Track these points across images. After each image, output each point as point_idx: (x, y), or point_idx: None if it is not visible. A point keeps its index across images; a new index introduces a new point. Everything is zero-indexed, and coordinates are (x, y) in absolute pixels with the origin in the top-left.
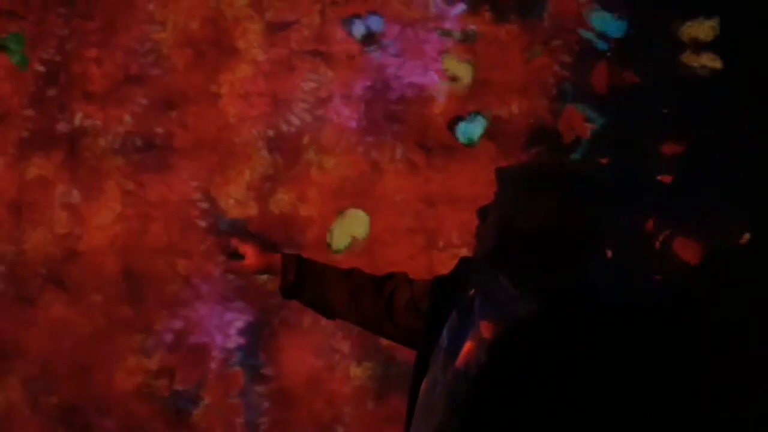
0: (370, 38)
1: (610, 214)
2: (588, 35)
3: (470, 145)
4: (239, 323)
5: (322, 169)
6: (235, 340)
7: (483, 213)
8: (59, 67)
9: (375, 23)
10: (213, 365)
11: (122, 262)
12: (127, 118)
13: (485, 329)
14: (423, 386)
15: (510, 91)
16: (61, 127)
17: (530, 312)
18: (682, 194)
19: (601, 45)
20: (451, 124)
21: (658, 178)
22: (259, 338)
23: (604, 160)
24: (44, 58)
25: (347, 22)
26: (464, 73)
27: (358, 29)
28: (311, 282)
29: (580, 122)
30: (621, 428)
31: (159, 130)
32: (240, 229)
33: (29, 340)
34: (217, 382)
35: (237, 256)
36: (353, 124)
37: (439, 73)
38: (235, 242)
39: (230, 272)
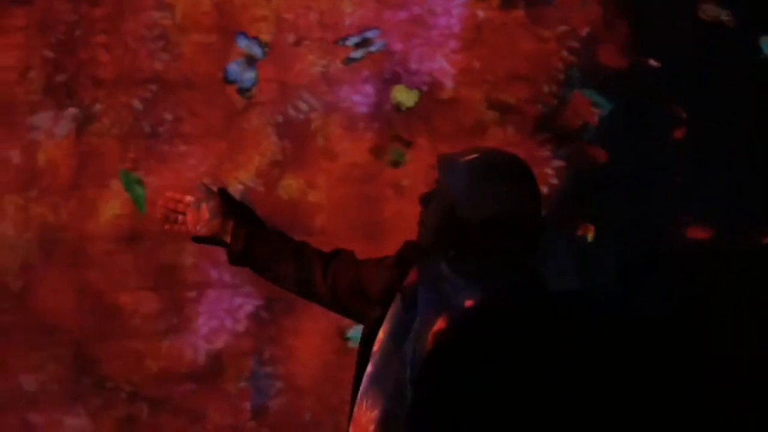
0: (364, 44)
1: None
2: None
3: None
4: (248, 307)
5: (330, 154)
6: (244, 325)
7: (426, 199)
8: (68, 53)
9: (370, 31)
10: (222, 349)
11: (130, 248)
12: (136, 104)
13: (429, 319)
14: (367, 370)
15: (517, 77)
16: (70, 113)
17: (473, 302)
18: (692, 186)
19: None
20: None
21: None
22: (267, 323)
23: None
24: (52, 43)
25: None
26: (409, 100)
27: (351, 39)
28: (259, 253)
29: (588, 108)
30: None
31: (167, 116)
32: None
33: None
34: (226, 367)
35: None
36: (362, 110)
37: (446, 56)
38: (205, 188)
39: (170, 228)
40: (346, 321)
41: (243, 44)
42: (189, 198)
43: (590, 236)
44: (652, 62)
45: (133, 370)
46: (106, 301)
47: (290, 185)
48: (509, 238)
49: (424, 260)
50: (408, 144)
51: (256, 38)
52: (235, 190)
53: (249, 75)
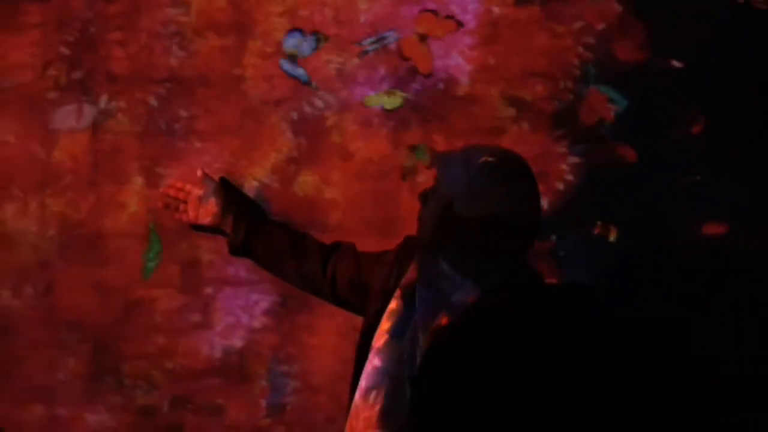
0: (379, 41)
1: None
2: None
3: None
4: (264, 304)
5: (345, 151)
6: (260, 321)
7: (424, 197)
8: (83, 50)
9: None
10: (239, 346)
11: (146, 244)
12: (152, 101)
13: (427, 317)
14: (375, 364)
15: (532, 74)
16: (86, 109)
17: (471, 300)
18: (708, 183)
19: None
20: None
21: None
22: (284, 320)
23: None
24: (68, 41)
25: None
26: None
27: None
28: (259, 248)
29: (604, 104)
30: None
31: (183, 113)
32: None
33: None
34: (242, 364)
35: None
36: (377, 106)
37: (461, 53)
38: (208, 179)
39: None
40: (359, 318)
41: (291, 44)
42: (190, 186)
43: (612, 237)
44: (675, 63)
45: (152, 366)
46: (124, 298)
47: (306, 182)
48: (508, 237)
49: (424, 257)
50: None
51: (315, 33)
52: (251, 186)
53: (301, 71)
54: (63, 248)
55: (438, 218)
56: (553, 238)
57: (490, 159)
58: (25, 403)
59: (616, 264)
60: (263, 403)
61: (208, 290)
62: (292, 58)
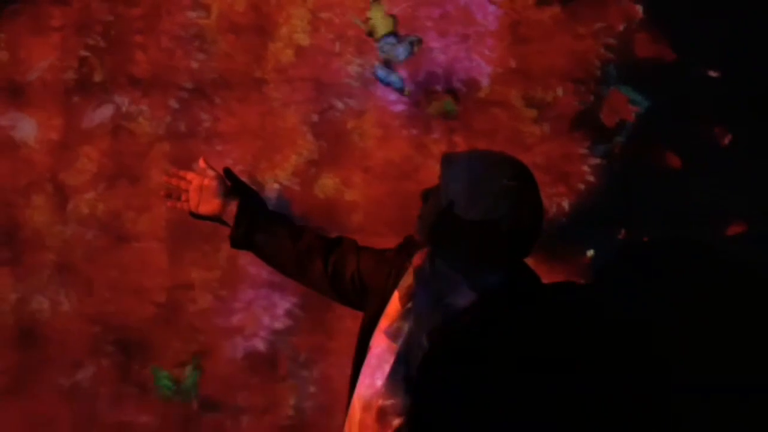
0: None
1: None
2: None
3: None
4: (286, 305)
5: (366, 153)
6: (282, 322)
7: (425, 195)
8: (104, 53)
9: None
10: (260, 347)
11: (168, 247)
12: (173, 103)
13: (424, 318)
14: (385, 367)
15: (553, 74)
16: (107, 113)
17: (469, 302)
18: (729, 184)
19: None
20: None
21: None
22: (305, 322)
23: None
24: (89, 44)
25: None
26: (383, 27)
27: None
28: (260, 240)
29: (625, 105)
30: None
31: (204, 115)
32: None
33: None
34: (264, 365)
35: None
36: (398, 108)
37: (482, 55)
38: (215, 173)
39: (173, 204)
40: None
41: (386, 48)
42: (192, 175)
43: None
44: (697, 63)
45: (174, 368)
46: (150, 300)
47: (326, 184)
48: (507, 240)
49: (423, 256)
50: (456, 97)
51: (407, 36)
52: (272, 188)
53: (395, 77)
54: (90, 250)
55: (437, 217)
56: (590, 253)
57: (491, 161)
58: (55, 405)
59: (616, 264)
60: (284, 404)
61: (230, 292)
62: (387, 63)
